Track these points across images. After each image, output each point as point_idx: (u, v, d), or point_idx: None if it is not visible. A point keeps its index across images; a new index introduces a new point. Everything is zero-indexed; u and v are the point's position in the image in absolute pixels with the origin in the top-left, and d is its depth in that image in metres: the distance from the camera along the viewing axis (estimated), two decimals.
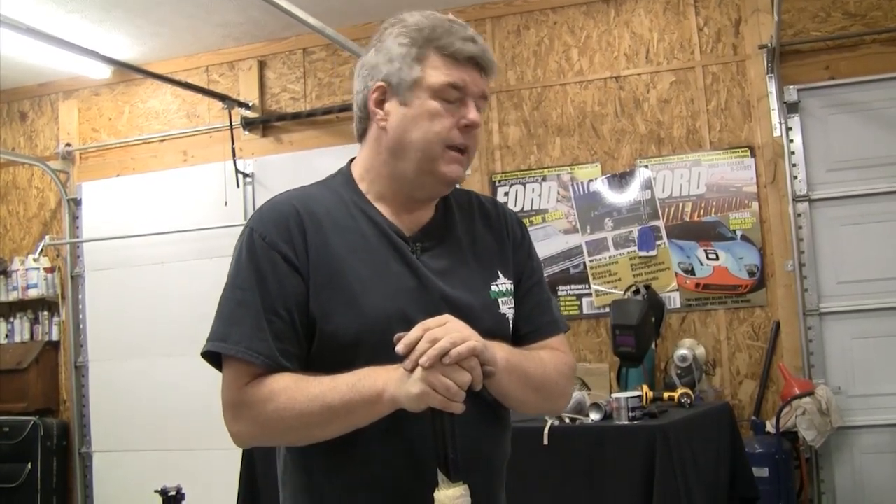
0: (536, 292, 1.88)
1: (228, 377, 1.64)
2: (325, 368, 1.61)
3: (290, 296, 1.64)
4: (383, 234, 1.72)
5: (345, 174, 1.82)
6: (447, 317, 1.55)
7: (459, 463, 1.52)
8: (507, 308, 1.80)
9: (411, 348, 1.50)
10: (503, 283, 1.81)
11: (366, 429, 1.60)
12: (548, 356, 1.79)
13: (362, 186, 1.78)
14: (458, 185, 1.86)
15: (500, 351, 1.62)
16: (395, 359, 1.54)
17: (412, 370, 1.50)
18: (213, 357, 1.66)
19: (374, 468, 1.65)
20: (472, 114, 1.70)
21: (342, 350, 1.63)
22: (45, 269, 6.72)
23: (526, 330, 1.83)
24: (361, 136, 1.81)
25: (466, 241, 1.81)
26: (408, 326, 1.57)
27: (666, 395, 4.43)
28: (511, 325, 1.81)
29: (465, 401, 1.52)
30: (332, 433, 1.61)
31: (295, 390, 1.58)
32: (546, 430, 3.74)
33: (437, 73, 1.69)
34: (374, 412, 1.56)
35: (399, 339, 1.53)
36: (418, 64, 1.70)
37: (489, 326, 1.70)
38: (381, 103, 1.74)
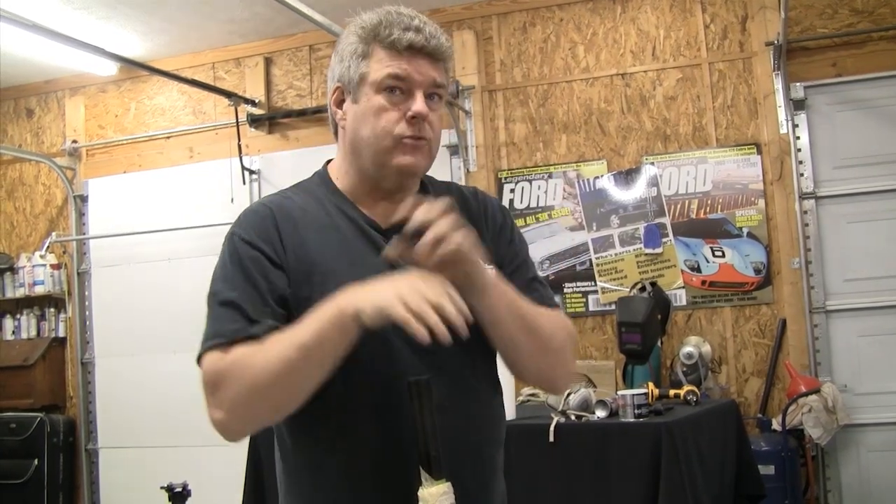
0: (520, 274, 1.85)
1: (210, 361, 1.61)
2: None
3: (278, 290, 1.65)
4: (359, 229, 1.74)
5: (321, 175, 1.85)
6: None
7: (441, 460, 1.52)
8: None
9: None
10: None
11: (356, 421, 1.61)
12: (543, 310, 1.78)
13: (338, 184, 1.81)
14: (429, 175, 1.87)
15: (490, 272, 1.63)
16: (376, 351, 1.59)
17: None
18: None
19: (363, 462, 1.65)
20: (416, 105, 1.68)
21: None
22: (52, 266, 6.74)
23: None
24: (336, 136, 1.84)
25: None
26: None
27: (672, 392, 4.43)
28: None
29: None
30: (311, 377, 1.56)
31: (266, 344, 1.56)
32: (552, 427, 3.74)
33: (378, 67, 1.69)
34: (343, 331, 1.51)
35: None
36: (364, 60, 1.71)
37: (470, 312, 1.69)
38: (340, 103, 1.78)
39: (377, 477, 1.65)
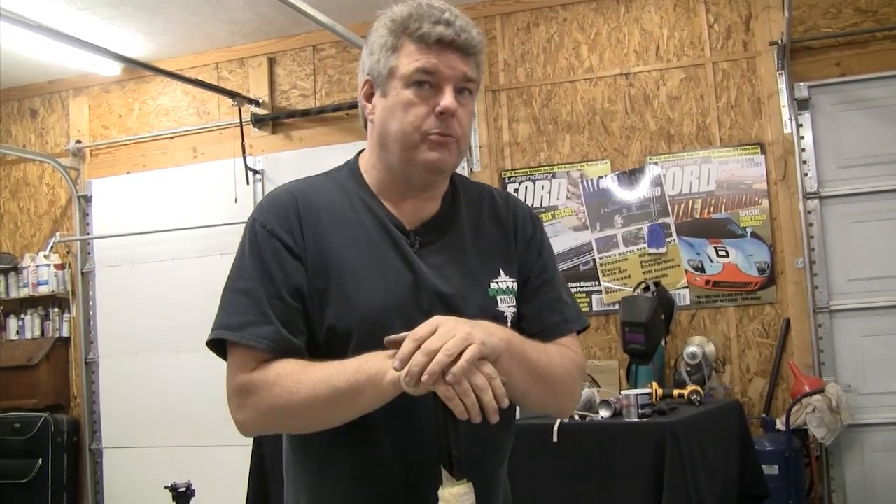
0: (546, 291, 1.83)
1: (233, 364, 1.63)
2: (320, 358, 1.61)
3: (294, 282, 1.64)
4: (383, 227, 1.72)
5: (351, 166, 1.83)
6: (436, 320, 1.49)
7: (463, 460, 1.49)
8: (506, 306, 1.76)
9: (406, 362, 1.44)
10: (504, 281, 1.78)
11: (367, 423, 1.58)
12: (554, 349, 1.74)
13: (367, 178, 1.79)
14: (462, 175, 1.86)
15: (499, 332, 1.56)
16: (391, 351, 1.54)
17: (415, 385, 1.44)
18: (218, 347, 1.65)
19: (374, 461, 1.64)
20: (445, 100, 1.66)
21: (336, 341, 1.63)
22: (56, 266, 6.75)
23: (534, 330, 1.77)
24: (366, 130, 1.82)
25: (470, 237, 1.79)
26: (400, 320, 1.57)
27: (675, 392, 4.43)
28: (509, 324, 1.76)
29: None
30: (337, 418, 1.58)
31: (301, 374, 1.56)
32: (556, 428, 3.74)
33: (408, 61, 1.67)
34: (379, 393, 1.51)
35: (390, 343, 1.51)
36: (394, 53, 1.68)
37: None
38: (369, 97, 1.76)
39: (386, 476, 1.64)
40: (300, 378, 1.56)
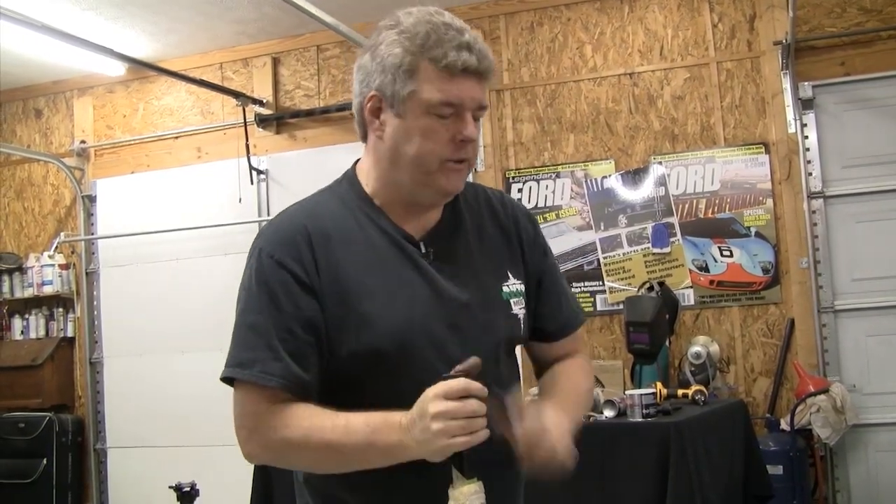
0: (557, 290, 1.88)
1: (243, 400, 1.63)
2: (346, 386, 1.62)
3: (305, 314, 1.61)
4: (393, 242, 1.70)
5: (350, 179, 1.79)
6: (425, 397, 1.49)
7: (473, 459, 1.51)
8: (518, 309, 1.78)
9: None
10: (513, 284, 1.78)
11: None
12: (575, 373, 1.81)
13: (368, 190, 1.75)
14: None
15: (565, 421, 1.66)
16: (416, 371, 1.56)
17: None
18: (232, 381, 1.66)
19: (403, 467, 1.62)
20: (468, 129, 1.64)
21: (362, 365, 1.63)
22: (61, 266, 6.75)
23: (552, 328, 1.84)
24: (364, 137, 1.77)
25: (475, 241, 1.79)
26: (424, 336, 1.58)
27: (680, 392, 4.42)
28: (523, 326, 1.78)
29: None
30: (342, 470, 1.63)
31: (309, 428, 1.57)
32: None
33: (430, 89, 1.61)
34: (390, 459, 1.55)
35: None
36: (411, 77, 1.62)
37: (504, 327, 1.71)
38: (376, 112, 1.69)
39: (405, 475, 1.62)
40: (309, 438, 1.57)
